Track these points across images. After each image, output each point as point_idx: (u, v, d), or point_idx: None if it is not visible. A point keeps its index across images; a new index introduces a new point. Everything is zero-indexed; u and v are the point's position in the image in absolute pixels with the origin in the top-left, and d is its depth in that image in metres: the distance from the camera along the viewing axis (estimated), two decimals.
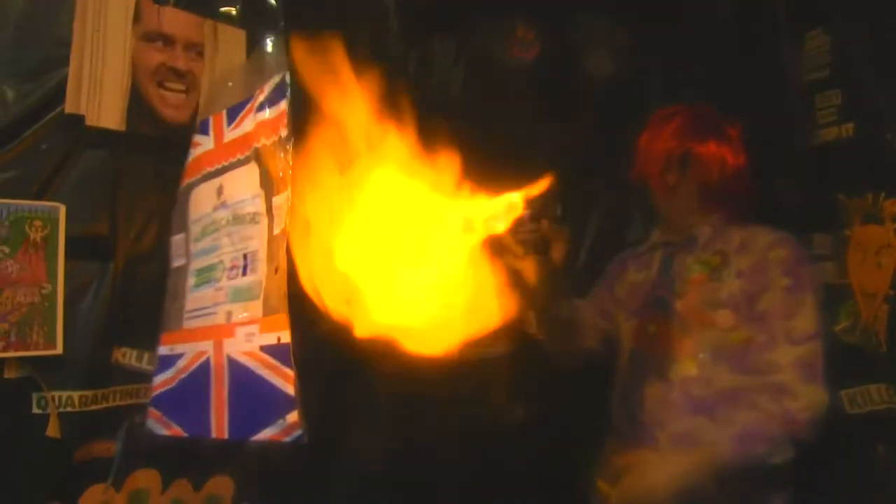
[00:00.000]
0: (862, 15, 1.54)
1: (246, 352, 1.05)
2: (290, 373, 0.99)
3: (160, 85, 1.33)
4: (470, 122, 1.73)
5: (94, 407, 1.29)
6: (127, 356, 1.33)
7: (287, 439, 1.00)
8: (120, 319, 1.31)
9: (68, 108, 1.24)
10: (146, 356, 1.34)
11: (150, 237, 1.34)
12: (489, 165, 1.61)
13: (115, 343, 1.32)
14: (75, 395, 1.27)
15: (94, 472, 1.31)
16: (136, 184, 1.33)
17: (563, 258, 1.31)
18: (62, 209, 1.24)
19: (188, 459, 1.37)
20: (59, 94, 1.24)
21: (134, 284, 1.32)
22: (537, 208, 1.23)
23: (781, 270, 1.44)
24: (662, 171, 1.53)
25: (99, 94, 1.26)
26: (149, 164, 1.34)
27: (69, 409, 1.26)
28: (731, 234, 1.55)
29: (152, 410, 1.18)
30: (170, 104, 1.33)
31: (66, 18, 1.26)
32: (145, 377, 1.33)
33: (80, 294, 1.28)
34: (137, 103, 1.32)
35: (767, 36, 1.75)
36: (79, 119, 1.25)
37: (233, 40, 1.46)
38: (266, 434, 1.02)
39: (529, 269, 1.26)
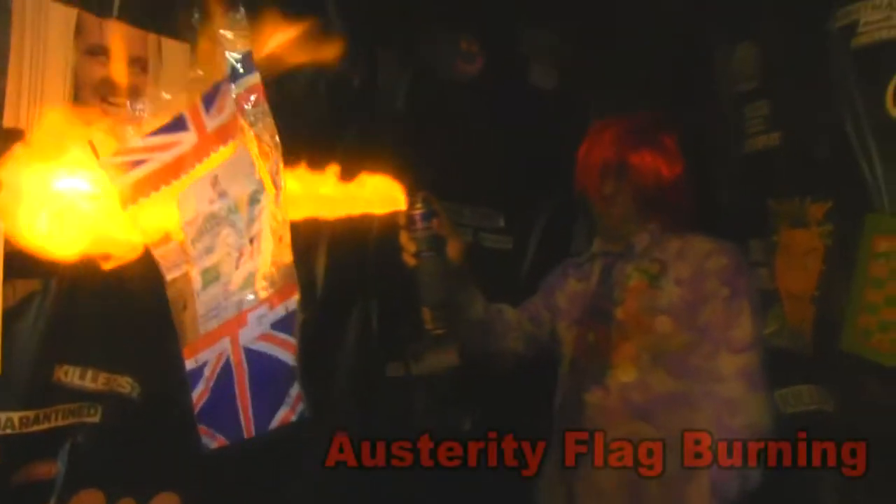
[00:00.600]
0: (787, 28, 1.63)
1: (259, 336, 1.01)
2: (294, 342, 0.97)
3: (103, 100, 1.31)
4: (413, 135, 1.77)
5: (35, 428, 1.27)
6: (69, 374, 1.31)
7: (294, 418, 0.97)
8: (62, 336, 1.29)
9: (7, 122, 1.22)
10: (89, 373, 1.32)
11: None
12: (431, 176, 1.66)
13: (57, 361, 1.30)
14: (15, 416, 1.24)
15: (34, 495, 1.28)
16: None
17: (460, 256, 1.34)
18: (1, 226, 1.21)
19: (133, 477, 1.37)
20: None
21: (77, 299, 1.30)
22: (427, 206, 1.26)
23: (720, 280, 1.49)
24: (600, 181, 1.58)
25: (39, 109, 1.24)
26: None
27: (8, 431, 1.23)
28: (668, 243, 1.60)
29: (201, 427, 1.12)
30: (112, 119, 1.31)
31: (3, 30, 1.23)
32: (88, 395, 1.32)
33: (19, 312, 1.25)
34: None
35: (700, 48, 1.83)
36: (18, 133, 1.23)
37: (177, 54, 1.46)
38: (280, 418, 0.99)
39: (422, 266, 1.29)
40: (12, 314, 1.24)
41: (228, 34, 1.00)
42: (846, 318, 1.46)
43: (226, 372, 1.06)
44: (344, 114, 1.70)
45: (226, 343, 1.06)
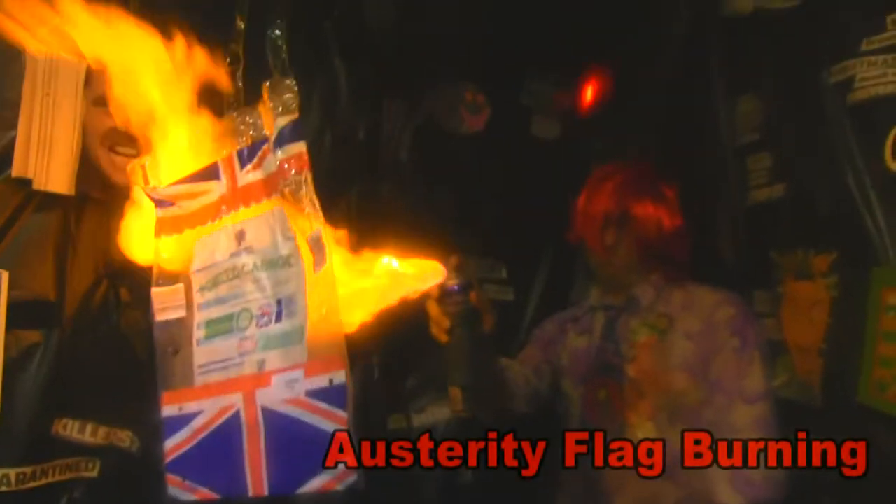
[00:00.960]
0: (786, 81, 1.66)
1: (288, 399, 0.99)
2: (344, 415, 0.95)
3: (111, 149, 1.32)
4: (418, 187, 1.79)
5: (31, 484, 1.23)
6: (68, 427, 1.28)
7: (339, 486, 0.95)
8: (62, 388, 1.27)
9: (15, 171, 1.23)
10: (89, 427, 1.30)
11: (98, 300, 1.32)
12: (433, 229, 1.67)
13: (57, 414, 1.27)
14: (12, 472, 1.21)
15: None
16: (84, 247, 1.31)
17: (491, 331, 1.24)
18: (4, 275, 1.21)
19: None
20: (6, 157, 1.23)
21: (78, 351, 1.28)
22: (465, 278, 1.15)
23: (729, 331, 1.49)
24: (601, 231, 1.58)
25: (47, 158, 1.25)
26: (98, 226, 1.32)
27: (4, 488, 1.20)
28: (672, 295, 1.59)
29: (171, 477, 1.09)
30: (120, 168, 1.31)
31: (16, 81, 1.26)
32: (87, 450, 1.29)
33: (20, 363, 1.23)
34: (87, 167, 1.31)
35: (703, 100, 1.86)
36: (26, 182, 1.24)
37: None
38: (316, 484, 0.96)
39: (456, 344, 1.18)
40: (14, 365, 1.22)
41: (278, 99, 1.00)
42: (862, 371, 1.44)
43: (232, 427, 1.04)
44: (349, 166, 1.72)
45: (235, 399, 1.04)
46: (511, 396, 1.56)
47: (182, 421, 1.10)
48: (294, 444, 0.99)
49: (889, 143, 1.45)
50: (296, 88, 1.00)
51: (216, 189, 1.10)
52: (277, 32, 1.15)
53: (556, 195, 1.76)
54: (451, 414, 1.84)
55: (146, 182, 1.11)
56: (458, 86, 1.93)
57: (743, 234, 1.78)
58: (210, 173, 1.10)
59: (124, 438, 1.35)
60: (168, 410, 1.11)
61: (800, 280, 1.59)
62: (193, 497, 1.08)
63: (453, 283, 1.14)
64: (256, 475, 1.01)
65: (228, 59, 1.36)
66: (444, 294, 1.15)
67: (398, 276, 1.08)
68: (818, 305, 1.54)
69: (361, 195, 1.72)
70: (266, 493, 1.00)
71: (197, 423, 1.08)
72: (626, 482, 1.49)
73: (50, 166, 1.26)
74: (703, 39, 1.89)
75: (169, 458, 1.10)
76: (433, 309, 1.17)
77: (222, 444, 1.05)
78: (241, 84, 1.26)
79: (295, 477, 0.99)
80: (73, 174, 1.29)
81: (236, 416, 1.04)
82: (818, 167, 1.56)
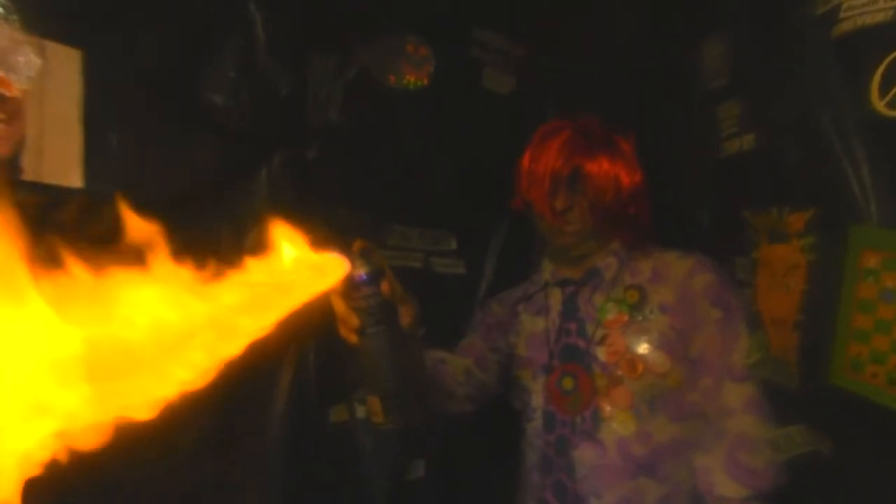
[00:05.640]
0: (758, 17, 1.55)
1: None
2: None
3: None
4: (351, 151, 1.70)
5: None
6: None
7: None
8: None
9: None
10: None
11: None
12: (370, 199, 1.58)
13: None
14: None
15: None
16: None
17: (413, 326, 1.13)
18: None
19: None
20: None
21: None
22: (373, 266, 1.04)
23: (710, 300, 1.42)
24: (549, 194, 1.47)
25: None
26: None
27: None
28: (638, 264, 1.51)
29: None
30: None
31: None
32: None
33: None
34: None
35: (667, 42, 1.76)
36: None
37: (66, 61, 1.41)
38: None
39: (368, 346, 1.07)
40: None
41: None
42: (834, 347, 1.34)
43: None
44: (268, 129, 1.63)
45: None
46: (448, 396, 1.47)
47: None
48: None
49: (876, 80, 1.34)
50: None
51: None
52: None
53: (511, 157, 1.66)
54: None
55: None
56: (397, 35, 1.83)
57: (714, 192, 1.67)
58: None
59: None
60: None
61: (774, 243, 1.48)
62: None
63: (360, 273, 1.03)
64: None
65: None
66: (349, 287, 1.03)
67: (287, 283, 0.91)
68: (794, 271, 1.43)
69: (284, 162, 1.63)
70: None
71: None
72: (602, 484, 1.42)
73: None
74: None
75: None
76: (338, 305, 1.06)
77: None
78: None
79: None
80: None
81: None
82: (792, 112, 1.44)
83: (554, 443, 1.48)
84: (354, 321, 1.05)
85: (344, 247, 0.99)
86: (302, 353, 1.67)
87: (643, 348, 1.42)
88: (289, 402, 1.62)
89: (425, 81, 1.85)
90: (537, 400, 1.52)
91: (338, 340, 1.71)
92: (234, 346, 0.72)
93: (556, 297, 1.57)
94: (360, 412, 1.77)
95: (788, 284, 1.43)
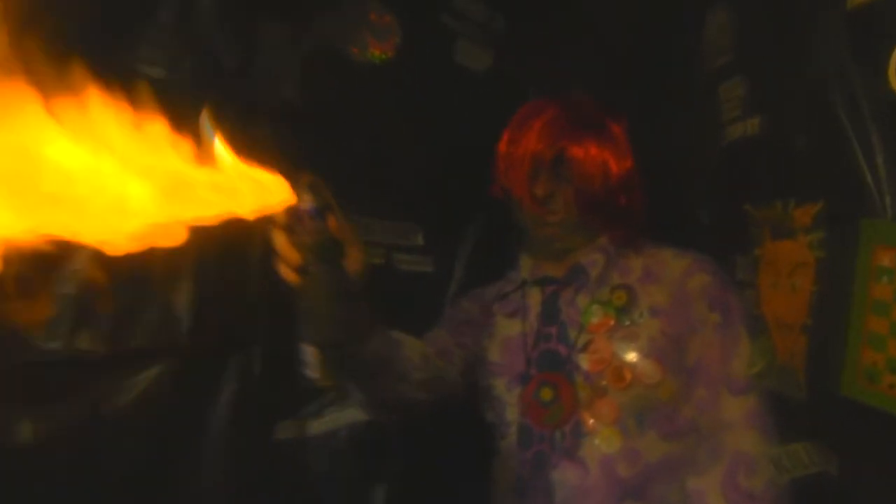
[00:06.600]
0: None
1: None
2: None
3: None
4: (306, 132, 1.55)
5: None
6: None
7: None
8: None
9: None
10: None
11: None
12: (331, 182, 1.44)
13: None
14: None
15: None
16: None
17: (360, 271, 1.08)
18: None
19: None
20: None
21: None
22: (321, 199, 0.98)
23: (707, 304, 1.35)
24: (529, 180, 1.37)
25: None
26: None
27: None
28: (628, 262, 1.43)
29: None
30: None
31: None
32: None
33: None
34: None
35: (662, 14, 1.65)
36: None
37: None
38: None
39: (310, 286, 1.02)
40: None
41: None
42: (846, 354, 1.25)
43: None
44: (213, 107, 1.48)
45: None
46: (400, 377, 1.31)
47: None
48: None
49: (895, 57, 1.24)
50: None
51: None
52: None
53: (487, 142, 1.53)
54: (356, 417, 1.63)
55: None
56: (360, 2, 1.67)
57: (714, 183, 1.57)
58: None
59: None
60: None
61: (779, 239, 1.38)
62: None
63: (306, 206, 0.96)
64: None
65: None
66: (293, 220, 0.98)
67: (229, 186, 0.85)
68: (801, 270, 1.34)
69: (230, 144, 1.47)
70: None
71: None
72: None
73: None
74: None
75: None
76: (280, 240, 1.01)
77: None
78: None
79: None
80: None
81: None
82: (801, 92, 1.34)
83: (530, 460, 1.37)
84: (296, 258, 1.01)
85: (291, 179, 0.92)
86: (244, 361, 1.52)
87: (631, 356, 1.34)
88: (228, 418, 1.49)
89: (391, 54, 1.70)
90: (512, 413, 1.42)
91: (285, 343, 1.59)
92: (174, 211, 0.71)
93: (534, 298, 1.47)
94: (314, 428, 1.63)
95: (795, 284, 1.35)
